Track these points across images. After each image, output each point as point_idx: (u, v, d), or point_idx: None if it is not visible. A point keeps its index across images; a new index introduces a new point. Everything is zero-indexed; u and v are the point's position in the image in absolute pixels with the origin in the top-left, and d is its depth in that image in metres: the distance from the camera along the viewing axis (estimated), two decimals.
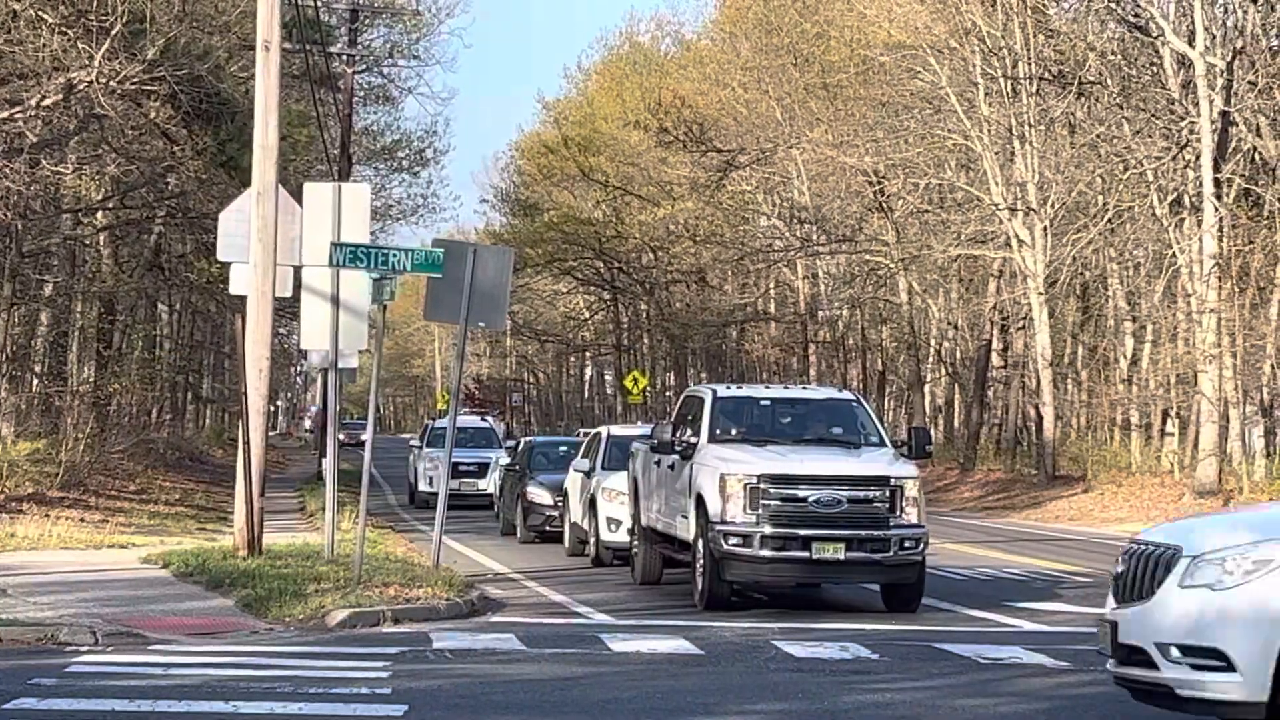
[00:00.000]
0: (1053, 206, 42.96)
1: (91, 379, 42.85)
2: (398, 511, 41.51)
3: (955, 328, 55.87)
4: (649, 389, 71.92)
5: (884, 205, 51.72)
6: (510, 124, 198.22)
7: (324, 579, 19.32)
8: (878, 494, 19.45)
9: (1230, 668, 10.48)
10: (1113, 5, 41.50)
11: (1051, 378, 44.81)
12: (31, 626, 15.96)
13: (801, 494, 19.33)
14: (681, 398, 24.09)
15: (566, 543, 28.50)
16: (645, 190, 68.84)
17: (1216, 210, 37.18)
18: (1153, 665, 10.77)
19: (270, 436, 40.20)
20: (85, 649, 15.10)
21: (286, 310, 38.19)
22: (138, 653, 14.94)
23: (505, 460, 37.27)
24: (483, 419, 51.90)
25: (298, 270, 22.37)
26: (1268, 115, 39.15)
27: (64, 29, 30.53)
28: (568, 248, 76.58)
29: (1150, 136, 41.12)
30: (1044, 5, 44.19)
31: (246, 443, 21.97)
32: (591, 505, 26.49)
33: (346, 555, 21.21)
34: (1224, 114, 37.55)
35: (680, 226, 68.02)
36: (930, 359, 59.73)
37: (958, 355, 56.83)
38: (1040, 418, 46.45)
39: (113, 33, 29.62)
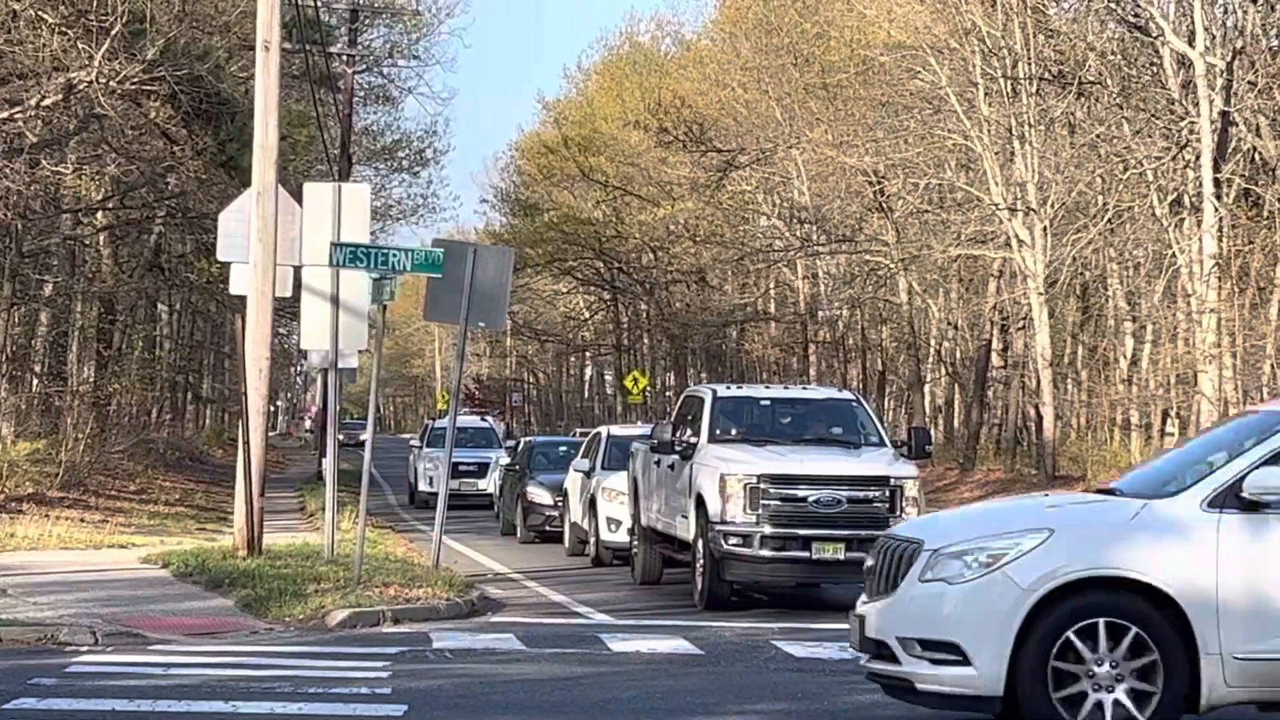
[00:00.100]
0: (1053, 206, 42.94)
1: (91, 379, 42.85)
2: (398, 511, 41.53)
3: (955, 328, 55.85)
4: (649, 389, 71.91)
5: (884, 205, 51.71)
6: (510, 124, 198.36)
7: (324, 579, 19.33)
8: (878, 494, 19.46)
9: (966, 661, 10.55)
10: (1113, 5, 41.49)
11: (1051, 378, 44.80)
12: (31, 626, 15.96)
13: (801, 494, 19.35)
14: (681, 398, 24.11)
15: (566, 543, 28.50)
16: (645, 190, 68.82)
17: (1216, 210, 37.17)
18: (895, 660, 10.83)
19: (270, 436, 40.21)
20: (85, 649, 15.11)
21: (286, 310, 38.18)
22: (137, 653, 14.94)
23: (505, 460, 37.29)
24: (483, 419, 51.92)
25: (298, 270, 22.37)
26: (1268, 115, 39.13)
27: (64, 29, 30.53)
28: (568, 248, 76.54)
29: (1150, 136, 41.10)
30: (1044, 5, 44.17)
31: (246, 443, 21.97)
32: (591, 505, 26.50)
33: (346, 555, 21.21)
34: (1224, 114, 37.54)
35: (680, 226, 67.99)
36: (930, 359, 59.70)
37: (958, 355, 56.81)
38: (1040, 418, 46.43)
39: (113, 33, 29.62)
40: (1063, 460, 46.01)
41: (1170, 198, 40.38)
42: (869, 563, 11.50)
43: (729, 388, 22.80)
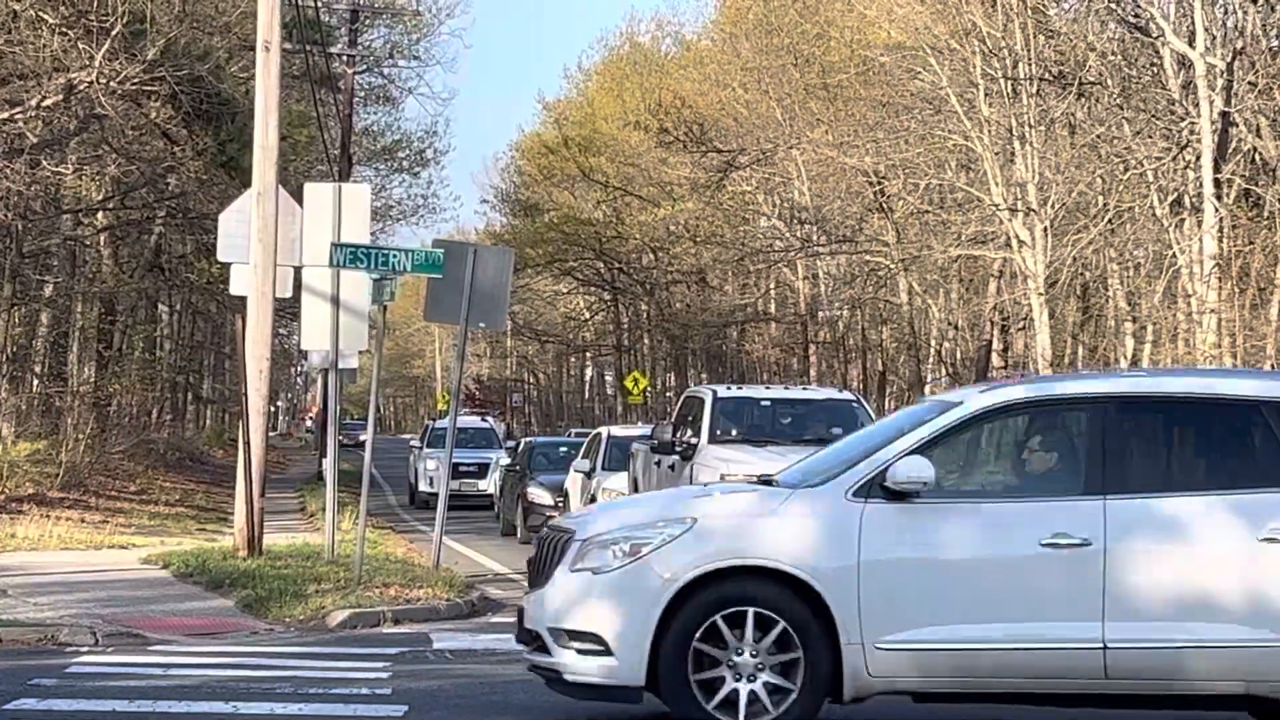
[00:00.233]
0: (1053, 207, 42.93)
1: (92, 379, 42.85)
2: (398, 512, 41.52)
3: (955, 328, 55.85)
4: (649, 389, 71.92)
5: (884, 206, 51.71)
6: (510, 124, 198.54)
7: (324, 579, 19.33)
8: None
9: (608, 651, 10.51)
10: (1113, 6, 41.49)
11: None
12: (32, 627, 15.97)
13: None
14: (682, 398, 24.13)
15: None
16: (645, 191, 68.82)
17: (1217, 211, 37.17)
18: (548, 651, 10.79)
19: (270, 437, 40.22)
20: (85, 649, 15.11)
21: (287, 310, 38.19)
22: (138, 653, 14.94)
23: (505, 461, 37.31)
24: (483, 419, 51.94)
25: (298, 271, 22.38)
26: (1268, 116, 39.13)
27: (64, 29, 30.54)
28: (568, 248, 76.54)
29: (1150, 137, 41.10)
30: (1044, 6, 44.17)
31: (247, 443, 21.97)
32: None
33: (347, 556, 21.21)
34: (1224, 114, 37.54)
35: (680, 227, 67.99)
36: (930, 359, 59.69)
37: (958, 355, 56.80)
38: None
39: (113, 33, 29.63)
40: None
41: (1170, 198, 40.38)
42: (532, 554, 11.40)
43: (729, 388, 22.82)
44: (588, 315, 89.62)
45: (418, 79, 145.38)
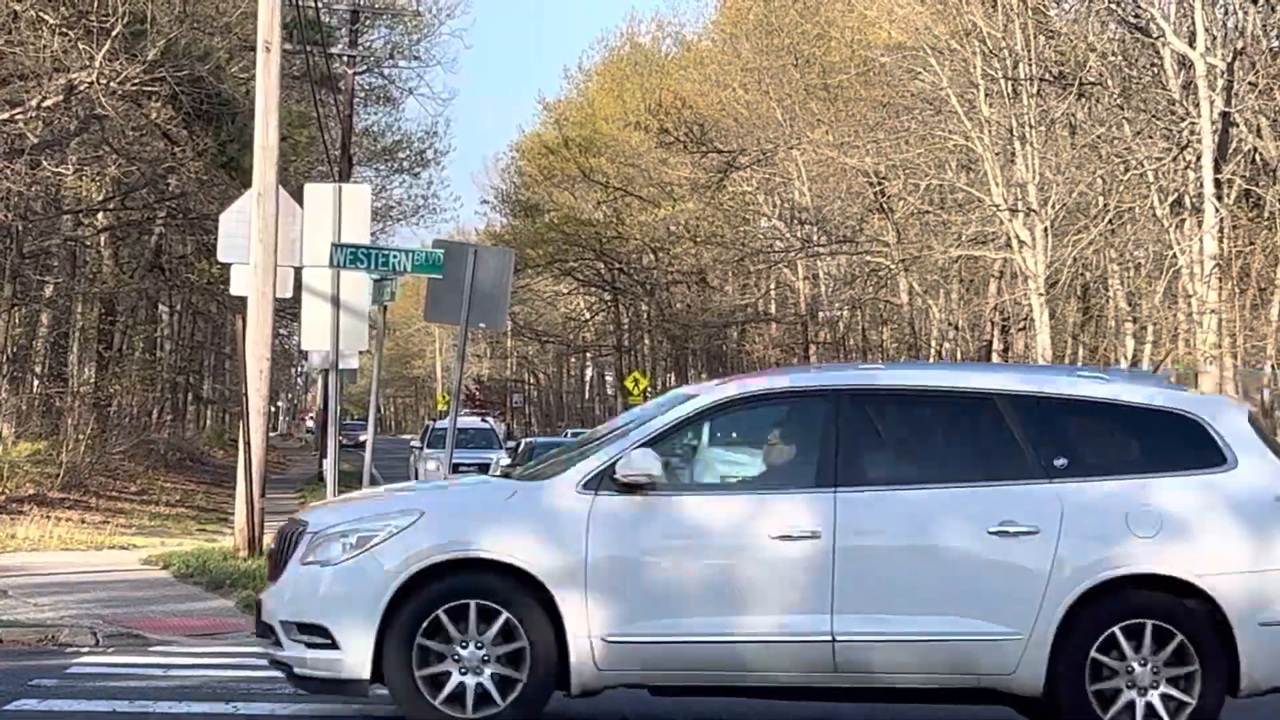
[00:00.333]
0: (1053, 207, 42.94)
1: (92, 380, 42.86)
2: None
3: (956, 328, 55.86)
4: (649, 390, 71.91)
5: (885, 206, 51.72)
6: (511, 124, 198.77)
7: None
8: None
9: (334, 645, 10.43)
10: (1113, 6, 41.50)
11: None
12: (32, 627, 15.97)
13: None
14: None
15: None
16: (646, 191, 68.83)
17: (1217, 211, 37.18)
18: (280, 644, 10.70)
19: (271, 437, 40.22)
20: (86, 650, 15.11)
21: (287, 311, 38.20)
22: (138, 654, 14.94)
23: (506, 461, 37.28)
24: (483, 420, 51.95)
25: (298, 271, 22.38)
26: (1268, 116, 39.14)
27: (64, 30, 30.55)
28: (568, 249, 76.55)
29: (1151, 137, 41.11)
30: (1045, 6, 44.18)
31: (247, 443, 21.98)
32: None
33: None
34: (1224, 115, 37.55)
35: (681, 227, 68.00)
36: (931, 359, 59.73)
37: (959, 356, 56.79)
38: None
39: (113, 34, 29.65)
40: None
41: (1171, 198, 40.38)
42: (272, 546, 11.32)
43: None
44: (588, 315, 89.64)
45: (418, 79, 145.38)
